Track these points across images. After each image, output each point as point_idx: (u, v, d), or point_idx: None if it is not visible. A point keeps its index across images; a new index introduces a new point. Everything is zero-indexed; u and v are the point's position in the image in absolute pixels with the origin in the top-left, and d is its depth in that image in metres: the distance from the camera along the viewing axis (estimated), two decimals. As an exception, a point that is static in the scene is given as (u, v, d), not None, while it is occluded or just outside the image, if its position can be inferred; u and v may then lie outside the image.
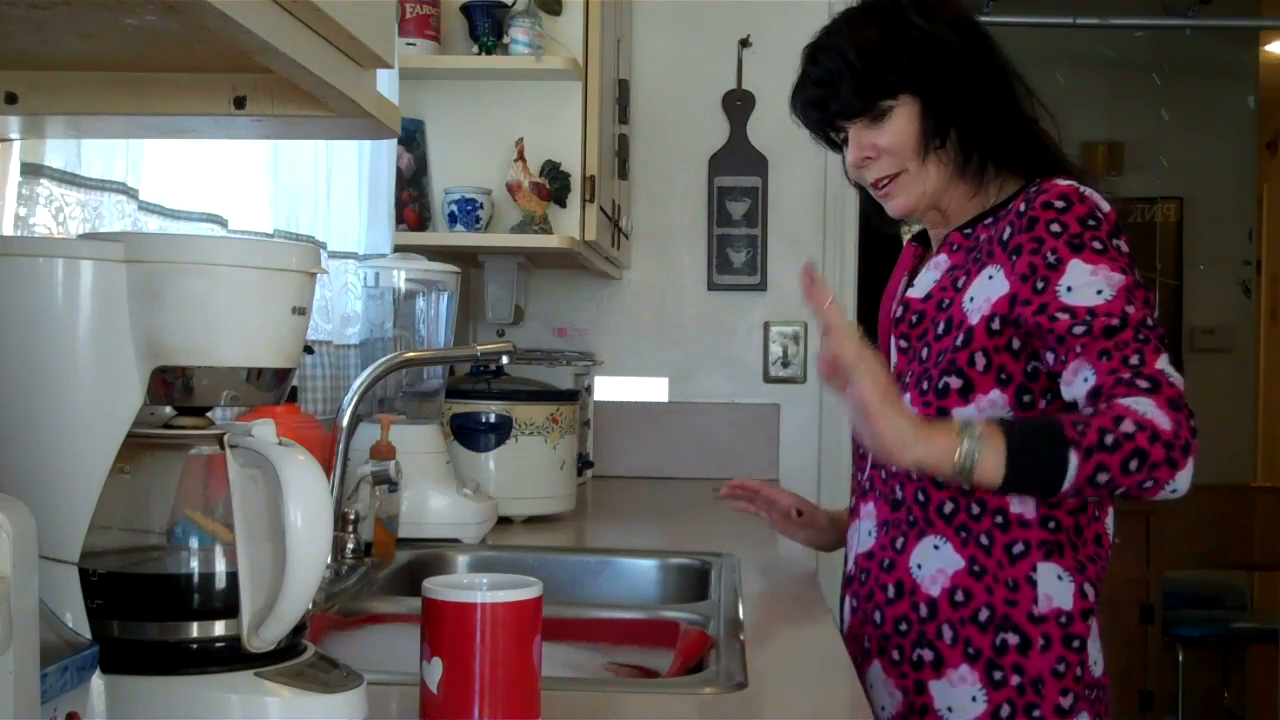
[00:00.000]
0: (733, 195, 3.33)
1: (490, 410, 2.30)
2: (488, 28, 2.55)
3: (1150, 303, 1.43)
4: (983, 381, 1.48)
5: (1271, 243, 5.81)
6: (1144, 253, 5.79)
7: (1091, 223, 1.45)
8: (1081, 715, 1.48)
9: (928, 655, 1.49)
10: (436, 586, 0.99)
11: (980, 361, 1.48)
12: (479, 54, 2.55)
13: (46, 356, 0.88)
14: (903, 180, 1.56)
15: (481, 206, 2.56)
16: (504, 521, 2.22)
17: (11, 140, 1.26)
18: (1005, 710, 1.46)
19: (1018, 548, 1.48)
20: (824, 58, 1.57)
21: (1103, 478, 1.32)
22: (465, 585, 1.00)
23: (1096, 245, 1.43)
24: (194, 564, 0.92)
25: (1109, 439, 1.31)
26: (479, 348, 1.98)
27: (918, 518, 1.52)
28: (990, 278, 1.49)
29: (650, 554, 2.00)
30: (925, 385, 1.52)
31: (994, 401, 1.48)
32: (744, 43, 3.30)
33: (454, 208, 2.55)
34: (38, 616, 0.73)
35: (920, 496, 1.52)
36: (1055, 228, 1.45)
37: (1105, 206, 1.47)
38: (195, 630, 0.91)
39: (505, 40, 2.54)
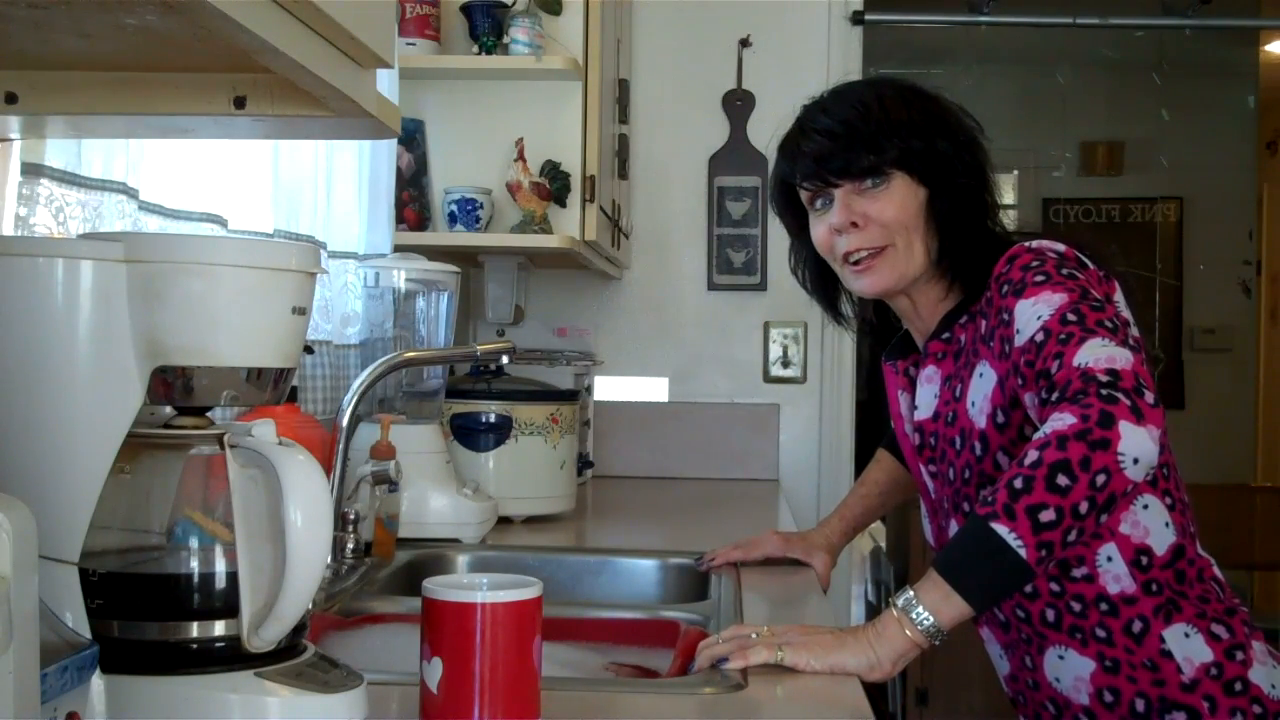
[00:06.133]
0: (733, 195, 3.33)
1: (490, 410, 2.30)
2: (488, 28, 2.55)
3: (1101, 306, 1.33)
4: None
5: (1271, 243, 5.82)
6: (1144, 253, 5.80)
7: (1035, 263, 1.39)
8: None
9: None
10: (436, 586, 0.99)
11: (1005, 462, 1.40)
12: (479, 54, 2.55)
13: (46, 356, 0.88)
14: (887, 256, 1.49)
15: (481, 206, 2.56)
16: (504, 521, 2.22)
17: (11, 140, 1.26)
18: None
19: (1136, 626, 1.40)
20: (838, 108, 1.50)
21: (1049, 516, 1.20)
22: (465, 585, 1.00)
23: (1038, 279, 1.37)
24: (194, 564, 0.92)
25: (1019, 482, 1.22)
26: (479, 348, 1.98)
27: (1030, 634, 1.47)
28: (981, 375, 1.43)
29: (650, 554, 2.00)
30: (967, 507, 1.45)
31: None
32: (744, 43, 3.30)
33: (454, 208, 2.55)
34: (38, 616, 0.73)
35: (1020, 613, 1.47)
36: (1004, 288, 1.40)
37: (1059, 247, 1.41)
38: (195, 630, 0.91)
39: (505, 40, 2.54)
